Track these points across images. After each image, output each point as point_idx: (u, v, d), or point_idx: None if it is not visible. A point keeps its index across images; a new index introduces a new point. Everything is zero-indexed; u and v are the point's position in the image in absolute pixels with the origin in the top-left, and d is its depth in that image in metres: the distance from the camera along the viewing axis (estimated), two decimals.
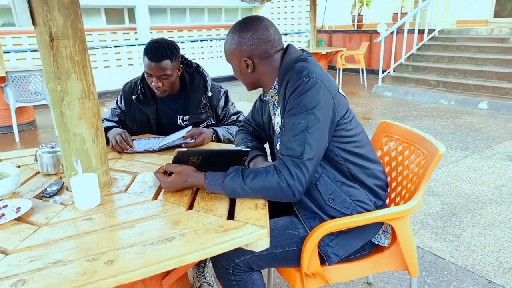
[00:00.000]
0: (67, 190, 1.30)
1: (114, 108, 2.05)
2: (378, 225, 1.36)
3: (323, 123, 1.17)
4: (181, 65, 1.93)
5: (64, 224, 1.06)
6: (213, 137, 1.86)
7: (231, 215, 1.09)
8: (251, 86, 1.38)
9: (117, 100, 2.06)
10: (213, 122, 2.02)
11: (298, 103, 1.16)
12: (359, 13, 9.84)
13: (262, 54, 1.28)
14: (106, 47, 9.31)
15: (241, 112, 2.12)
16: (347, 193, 1.27)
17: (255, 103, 1.63)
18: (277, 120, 1.36)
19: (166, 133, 1.94)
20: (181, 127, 1.98)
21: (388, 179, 1.62)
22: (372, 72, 8.01)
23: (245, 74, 1.33)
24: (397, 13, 9.19)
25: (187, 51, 9.88)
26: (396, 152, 1.60)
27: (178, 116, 2.01)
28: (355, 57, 7.97)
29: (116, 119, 2.03)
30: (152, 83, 1.84)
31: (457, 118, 5.24)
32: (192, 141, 1.74)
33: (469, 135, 4.47)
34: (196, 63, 2.04)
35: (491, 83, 6.00)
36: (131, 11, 11.87)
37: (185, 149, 1.19)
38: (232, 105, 2.09)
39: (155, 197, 1.23)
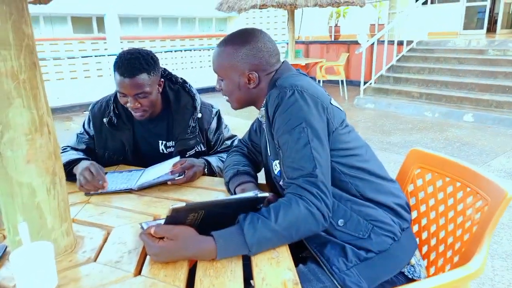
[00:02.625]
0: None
1: (80, 134, 1.67)
2: (408, 250, 1.10)
3: (322, 133, 1.03)
4: (162, 79, 1.58)
5: None
6: (205, 170, 1.51)
7: None
8: (242, 104, 1.23)
9: (84, 123, 1.68)
10: (203, 149, 1.68)
11: (288, 118, 1.03)
12: (336, 24, 9.76)
13: (267, 68, 1.17)
14: (73, 58, 8.76)
15: (236, 136, 1.79)
16: (360, 213, 1.06)
17: (254, 122, 1.40)
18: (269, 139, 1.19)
19: (145, 164, 1.58)
20: (163, 156, 1.63)
21: (425, 221, 1.33)
22: (351, 83, 7.88)
23: (243, 89, 1.18)
24: (374, 24, 9.15)
25: (160, 62, 9.46)
26: (435, 188, 1.31)
27: (160, 142, 1.66)
28: (334, 68, 7.81)
29: (83, 146, 1.64)
30: (128, 104, 1.48)
31: (445, 131, 5.10)
32: (181, 177, 1.39)
33: (461, 150, 4.30)
34: (182, 78, 1.69)
35: (474, 95, 5.93)
36: (100, 20, 11.35)
37: (183, 204, 0.84)
38: (226, 128, 1.76)
39: (138, 270, 0.88)
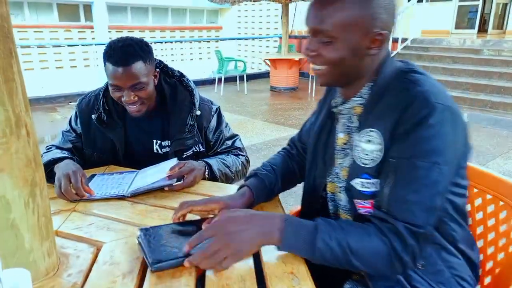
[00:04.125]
0: None
1: (66, 131, 1.51)
2: None
3: (453, 170, 0.83)
4: (158, 70, 1.43)
5: None
6: (206, 174, 1.37)
7: None
8: (339, 79, 0.91)
9: (70, 120, 1.52)
10: (201, 149, 1.53)
11: (427, 144, 0.79)
12: None
13: (389, 33, 0.86)
14: (59, 46, 8.45)
15: (237, 135, 1.65)
16: (447, 263, 0.89)
17: (308, 121, 1.20)
18: (348, 140, 0.94)
19: (138, 166, 1.42)
20: (158, 157, 1.48)
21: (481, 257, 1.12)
22: None
23: (356, 57, 0.86)
24: None
25: None
26: (497, 221, 1.08)
27: (155, 141, 1.51)
28: None
29: (69, 145, 1.48)
30: (123, 99, 1.33)
31: None
32: (180, 182, 1.24)
33: None
34: (179, 71, 1.54)
35: (468, 94, 5.89)
36: (88, 7, 11.00)
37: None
38: (227, 127, 1.61)
39: None
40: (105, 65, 1.31)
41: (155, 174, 1.28)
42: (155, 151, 1.51)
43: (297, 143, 1.23)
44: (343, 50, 0.84)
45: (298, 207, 1.22)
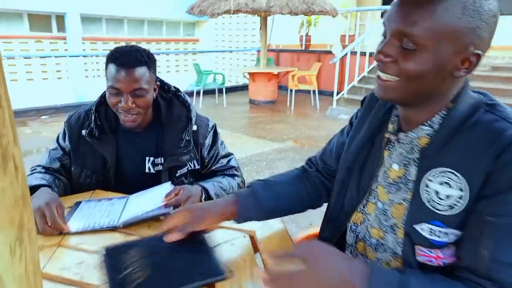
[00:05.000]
0: None
1: (53, 149, 1.42)
2: None
3: None
4: (158, 83, 1.39)
5: None
6: (203, 199, 1.28)
7: None
8: (406, 97, 0.76)
9: (57, 138, 1.43)
10: (196, 166, 1.45)
11: None
12: (307, 33, 9.74)
13: (483, 55, 0.72)
14: (29, 58, 8.14)
15: (232, 154, 1.57)
16: None
17: (334, 138, 1.08)
18: (404, 173, 0.81)
19: (128, 186, 1.33)
20: (150, 177, 1.39)
21: None
22: (321, 93, 7.82)
23: (439, 76, 0.72)
24: (345, 35, 9.21)
25: None
26: None
27: (148, 158, 1.42)
28: (306, 77, 7.74)
29: (57, 164, 1.39)
30: (120, 104, 1.26)
31: None
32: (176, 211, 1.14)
33: None
34: (175, 87, 1.48)
35: None
36: (60, 18, 10.69)
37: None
38: (222, 144, 1.55)
39: None
40: (107, 68, 1.27)
41: (148, 200, 1.18)
42: (147, 170, 1.42)
43: (317, 163, 1.10)
44: (427, 64, 0.70)
45: (313, 229, 1.15)
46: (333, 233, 0.98)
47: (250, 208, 0.96)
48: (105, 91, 1.33)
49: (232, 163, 1.54)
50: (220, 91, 8.03)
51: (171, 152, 1.38)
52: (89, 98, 7.50)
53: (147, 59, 1.29)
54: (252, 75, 7.87)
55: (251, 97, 8.09)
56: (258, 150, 4.74)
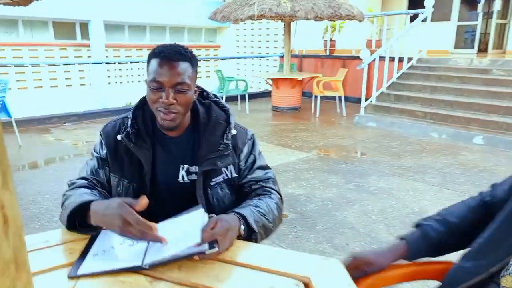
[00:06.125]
0: None
1: (90, 160, 1.33)
2: None
3: None
4: (199, 86, 1.31)
5: None
6: (242, 230, 1.08)
7: None
8: None
9: (94, 148, 1.34)
10: (233, 174, 1.31)
11: None
12: (331, 38, 9.49)
13: None
14: (54, 65, 8.18)
15: (270, 168, 1.40)
16: None
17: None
18: None
19: (161, 201, 1.25)
20: (182, 188, 1.28)
21: None
22: (347, 100, 7.56)
23: None
24: (371, 40, 8.93)
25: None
26: None
27: (182, 166, 1.29)
28: (332, 84, 7.50)
29: (101, 174, 1.30)
30: (161, 99, 1.18)
31: (457, 155, 4.78)
32: (214, 250, 0.94)
33: (482, 177, 3.97)
34: (214, 94, 1.39)
35: (481, 116, 5.67)
36: (84, 26, 10.79)
37: None
38: (260, 155, 1.40)
39: None
40: (149, 64, 1.21)
41: (178, 234, 0.99)
42: (180, 179, 1.29)
43: (487, 196, 1.01)
44: None
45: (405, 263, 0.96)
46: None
47: (422, 249, 0.96)
48: (143, 97, 1.29)
49: (270, 174, 1.38)
50: (243, 97, 7.87)
51: (207, 155, 1.26)
52: (111, 105, 7.45)
53: (191, 56, 1.23)
54: (275, 81, 7.68)
55: (274, 103, 7.89)
56: (284, 160, 4.52)
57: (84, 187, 1.22)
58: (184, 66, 1.19)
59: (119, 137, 1.27)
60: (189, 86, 1.20)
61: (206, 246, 0.93)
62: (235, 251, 0.99)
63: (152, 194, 1.24)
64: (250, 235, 1.12)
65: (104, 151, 1.31)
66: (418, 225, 1.00)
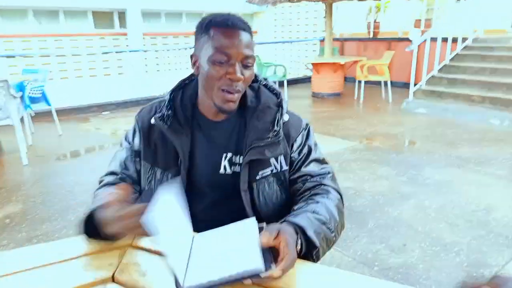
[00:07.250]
0: None
1: (119, 151, 1.18)
2: None
3: None
4: None
5: None
6: (300, 246, 0.84)
7: None
8: None
9: (126, 135, 1.18)
10: (284, 167, 1.09)
11: None
12: (375, 20, 8.93)
13: None
14: (93, 54, 8.23)
15: (327, 163, 1.17)
16: None
17: None
18: None
19: (199, 195, 1.08)
20: (223, 181, 1.08)
21: None
22: (393, 85, 7.06)
23: None
24: (420, 20, 8.30)
25: (184, 59, 8.86)
26: None
27: (224, 155, 1.08)
28: (377, 68, 7.02)
29: (132, 168, 1.15)
30: (228, 76, 0.96)
31: None
32: (274, 271, 0.69)
33: None
34: (264, 77, 1.16)
35: None
36: (122, 14, 10.83)
37: None
38: (316, 146, 1.16)
39: None
40: (205, 35, 0.99)
41: (225, 251, 0.75)
42: (221, 170, 1.08)
43: None
44: None
45: None
46: None
47: None
48: (183, 78, 1.15)
49: (328, 169, 1.15)
50: (281, 84, 7.57)
51: (255, 144, 1.05)
52: (149, 93, 7.39)
53: (250, 28, 1.03)
54: (316, 66, 7.31)
55: (314, 89, 7.54)
56: (328, 149, 4.21)
57: (112, 184, 1.08)
58: (249, 37, 1.00)
59: (152, 120, 1.10)
60: (254, 60, 1.02)
61: (262, 266, 0.69)
62: (294, 275, 0.74)
63: (188, 188, 1.06)
64: (309, 251, 0.88)
65: (136, 140, 1.15)
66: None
